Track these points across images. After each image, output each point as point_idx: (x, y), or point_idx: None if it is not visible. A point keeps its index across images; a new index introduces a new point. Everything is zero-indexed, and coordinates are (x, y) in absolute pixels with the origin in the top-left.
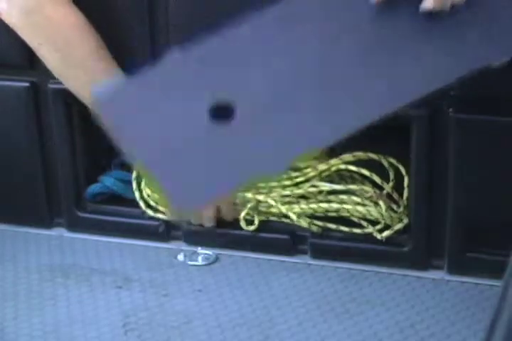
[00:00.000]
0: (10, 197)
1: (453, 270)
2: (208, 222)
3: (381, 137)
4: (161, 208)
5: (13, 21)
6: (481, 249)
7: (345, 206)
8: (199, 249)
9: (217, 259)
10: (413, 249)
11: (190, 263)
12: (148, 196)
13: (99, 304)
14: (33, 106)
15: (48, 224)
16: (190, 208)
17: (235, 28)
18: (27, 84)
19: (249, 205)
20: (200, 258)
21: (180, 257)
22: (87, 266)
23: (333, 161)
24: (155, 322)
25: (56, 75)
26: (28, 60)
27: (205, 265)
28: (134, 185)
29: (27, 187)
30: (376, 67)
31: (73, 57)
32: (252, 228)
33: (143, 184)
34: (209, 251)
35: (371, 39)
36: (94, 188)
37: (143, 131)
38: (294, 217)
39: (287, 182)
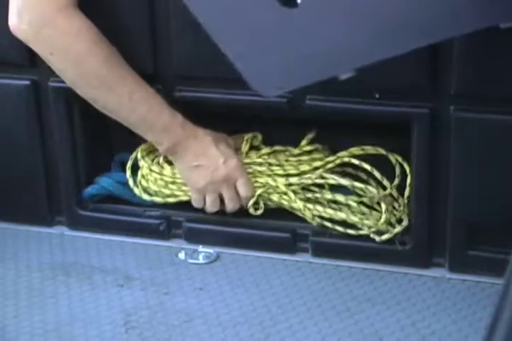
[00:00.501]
0: (11, 196)
1: (454, 268)
2: (212, 207)
3: (389, 135)
4: (157, 199)
5: (25, 36)
6: (482, 246)
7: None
8: (200, 248)
9: (218, 257)
10: (414, 247)
11: (191, 261)
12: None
13: (100, 302)
14: (33, 104)
15: (48, 222)
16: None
17: None
18: (28, 83)
19: (258, 191)
20: (201, 256)
21: (181, 255)
22: (88, 265)
23: (341, 153)
24: (156, 321)
25: (70, 84)
26: (29, 58)
27: (206, 263)
28: (128, 172)
29: (28, 186)
30: None
31: (86, 67)
32: (259, 212)
33: (139, 172)
34: (210, 250)
35: None
36: (91, 190)
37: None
38: (300, 205)
39: (293, 171)
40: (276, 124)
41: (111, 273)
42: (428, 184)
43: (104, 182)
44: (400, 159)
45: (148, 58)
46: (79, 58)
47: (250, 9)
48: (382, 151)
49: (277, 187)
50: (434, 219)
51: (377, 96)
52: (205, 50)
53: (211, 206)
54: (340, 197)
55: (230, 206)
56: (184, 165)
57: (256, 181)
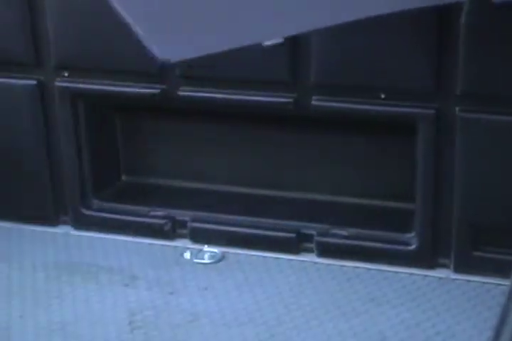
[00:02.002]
0: (16, 196)
1: (459, 268)
2: None
3: (394, 135)
4: None
5: None
6: (486, 247)
7: None
8: (205, 247)
9: (223, 257)
10: (419, 247)
11: (196, 261)
12: None
13: (106, 302)
14: (39, 104)
15: (53, 222)
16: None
17: None
18: (34, 83)
19: None
20: (206, 256)
21: (187, 255)
22: (93, 264)
23: None
24: (161, 320)
25: None
26: (35, 58)
27: (211, 263)
28: None
29: (33, 186)
30: None
31: None
32: None
33: None
34: (215, 249)
35: None
36: None
37: None
38: None
39: None
40: (280, 124)
41: (116, 273)
42: (433, 185)
43: None
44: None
45: (153, 60)
46: None
47: None
48: None
49: None
50: (439, 220)
51: (382, 96)
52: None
53: None
54: None
55: None
56: None
57: None
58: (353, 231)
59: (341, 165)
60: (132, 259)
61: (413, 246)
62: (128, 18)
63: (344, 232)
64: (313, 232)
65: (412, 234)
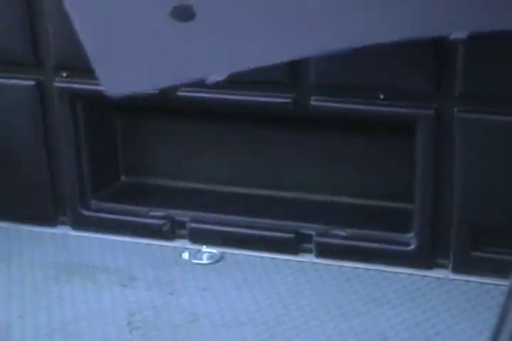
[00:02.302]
0: (15, 196)
1: (458, 269)
2: None
3: (393, 135)
4: None
5: None
6: (485, 248)
7: None
8: (204, 248)
9: (221, 258)
10: (418, 247)
11: (195, 261)
12: None
13: (105, 302)
14: (38, 104)
15: (52, 222)
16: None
17: None
18: (33, 83)
19: None
20: (204, 256)
21: (185, 255)
22: (91, 265)
23: None
24: (160, 321)
25: None
26: (34, 59)
27: (210, 263)
28: None
29: (32, 186)
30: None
31: None
32: None
33: None
34: (214, 250)
35: None
36: None
37: (102, 11)
38: None
39: None
40: (279, 124)
41: (115, 273)
42: (432, 185)
43: None
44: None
45: None
46: None
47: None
48: None
49: None
50: (439, 220)
51: (382, 97)
52: None
53: None
54: None
55: None
56: None
57: None
58: (352, 231)
59: (341, 165)
60: (131, 259)
61: (412, 247)
62: (84, 45)
63: (343, 233)
64: (312, 233)
65: (411, 235)
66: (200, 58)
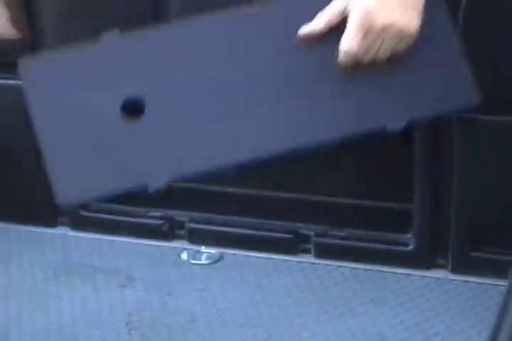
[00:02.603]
0: (13, 196)
1: (457, 269)
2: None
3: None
4: None
5: None
6: (484, 248)
7: None
8: (202, 248)
9: (220, 258)
10: (417, 248)
11: (193, 262)
12: None
13: (103, 303)
14: None
15: (51, 222)
16: (73, 202)
17: (180, 26)
18: None
19: None
20: (203, 257)
21: (184, 256)
22: (90, 265)
23: None
24: (158, 321)
25: None
26: None
27: (209, 264)
28: None
29: (30, 186)
30: (287, 101)
31: None
32: None
33: None
34: (212, 250)
35: (292, 74)
36: None
37: (56, 110)
38: None
39: None
40: None
41: (113, 274)
42: (431, 185)
43: None
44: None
45: None
46: None
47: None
48: None
49: None
50: (437, 220)
51: None
52: None
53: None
54: None
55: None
56: None
57: None
58: (350, 231)
59: (340, 165)
60: (130, 260)
61: (411, 247)
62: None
63: (342, 233)
64: (311, 233)
65: (410, 235)
66: (143, 163)
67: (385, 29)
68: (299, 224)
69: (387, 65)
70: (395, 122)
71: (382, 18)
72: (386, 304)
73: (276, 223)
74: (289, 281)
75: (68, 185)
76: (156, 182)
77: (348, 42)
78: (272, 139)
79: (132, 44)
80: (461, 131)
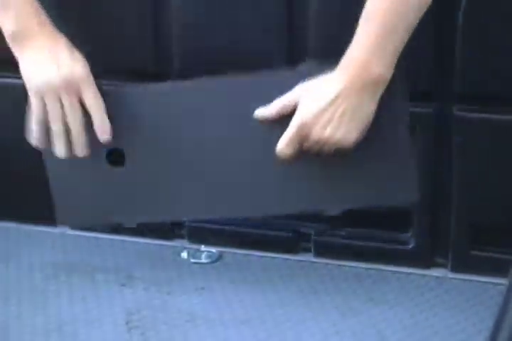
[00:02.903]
0: (13, 195)
1: (457, 268)
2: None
3: None
4: None
5: None
6: (484, 247)
7: None
8: (202, 247)
9: (220, 257)
10: (417, 246)
11: (193, 260)
12: None
13: (103, 302)
14: None
15: (51, 221)
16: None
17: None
18: None
19: None
20: (203, 256)
21: (184, 255)
22: (90, 264)
23: None
24: (158, 320)
25: None
26: None
27: (209, 263)
28: None
29: (30, 185)
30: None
31: None
32: None
33: None
34: (212, 249)
35: (246, 147)
36: None
37: None
38: None
39: None
40: None
41: (113, 273)
42: (431, 184)
43: None
44: None
45: (151, 59)
46: None
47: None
48: None
49: None
50: (437, 219)
51: None
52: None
53: (52, 113)
54: None
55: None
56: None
57: None
58: (351, 230)
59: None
60: (129, 259)
61: (411, 246)
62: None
63: (342, 232)
64: (311, 232)
65: (410, 234)
66: (122, 203)
67: (319, 142)
68: (299, 223)
69: (333, 156)
70: (333, 207)
71: (316, 132)
72: (386, 303)
73: (277, 222)
74: (288, 280)
75: (68, 210)
76: (130, 222)
77: (282, 147)
78: (225, 202)
79: (123, 99)
80: (461, 130)
